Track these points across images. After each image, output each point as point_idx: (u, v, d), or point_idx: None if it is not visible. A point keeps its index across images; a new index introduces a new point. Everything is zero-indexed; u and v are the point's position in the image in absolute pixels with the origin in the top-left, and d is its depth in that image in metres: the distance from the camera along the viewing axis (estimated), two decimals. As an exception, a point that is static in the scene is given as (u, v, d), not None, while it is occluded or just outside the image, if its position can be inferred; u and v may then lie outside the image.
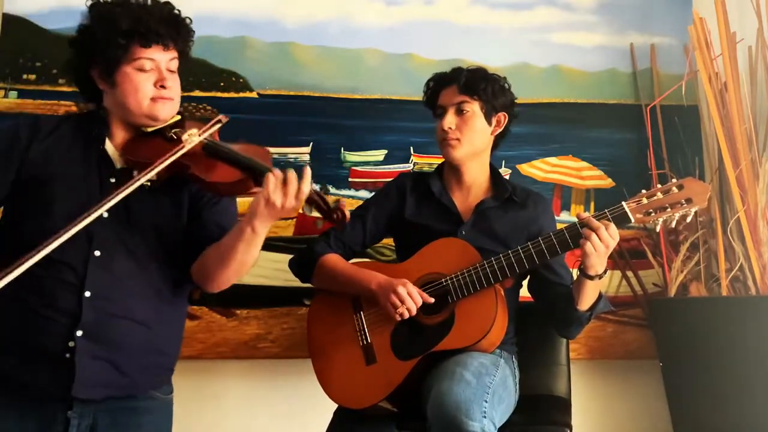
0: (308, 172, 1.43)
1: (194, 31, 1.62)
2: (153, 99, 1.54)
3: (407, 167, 2.51)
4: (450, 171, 1.97)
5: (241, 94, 2.50)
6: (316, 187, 1.50)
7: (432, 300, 1.75)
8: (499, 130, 1.94)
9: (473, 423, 1.48)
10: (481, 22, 2.62)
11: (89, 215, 1.36)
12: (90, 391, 1.46)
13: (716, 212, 2.41)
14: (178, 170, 1.50)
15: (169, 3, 1.59)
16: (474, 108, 1.89)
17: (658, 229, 1.77)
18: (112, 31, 1.50)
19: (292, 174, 1.43)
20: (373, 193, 2.25)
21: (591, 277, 1.68)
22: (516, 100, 1.97)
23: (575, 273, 1.75)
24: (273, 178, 1.42)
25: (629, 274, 2.50)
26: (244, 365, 2.42)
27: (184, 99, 2.44)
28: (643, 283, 2.49)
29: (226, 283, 1.58)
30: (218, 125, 1.58)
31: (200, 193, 1.61)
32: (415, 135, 2.50)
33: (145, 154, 1.51)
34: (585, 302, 1.73)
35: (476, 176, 1.95)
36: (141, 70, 1.53)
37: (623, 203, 1.68)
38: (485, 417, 1.51)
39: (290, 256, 1.98)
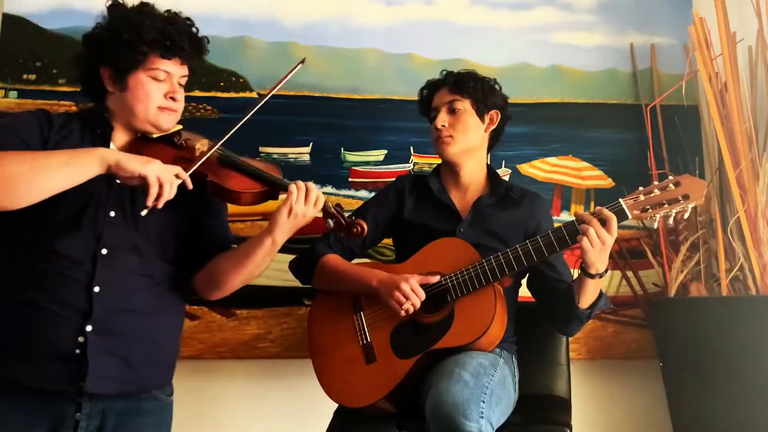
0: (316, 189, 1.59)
1: (208, 51, 1.70)
2: (160, 108, 1.60)
3: (407, 167, 2.51)
4: (447, 171, 1.99)
5: (241, 94, 2.50)
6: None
7: (436, 278, 1.76)
8: (493, 127, 1.96)
9: (470, 423, 1.48)
10: (481, 22, 2.62)
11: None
12: (103, 386, 1.48)
13: (716, 212, 2.41)
14: (197, 177, 1.54)
15: (190, 20, 1.64)
16: (465, 105, 1.93)
17: (656, 226, 1.77)
18: (137, 37, 1.54)
19: (310, 184, 1.58)
20: (372, 194, 2.25)
21: (591, 276, 1.69)
22: (508, 101, 2.00)
23: (575, 273, 1.75)
24: (296, 190, 1.55)
25: (629, 274, 2.49)
26: (244, 365, 2.42)
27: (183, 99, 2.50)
28: (643, 283, 2.49)
29: (231, 290, 1.67)
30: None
31: (203, 202, 1.64)
32: (415, 135, 2.50)
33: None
34: (585, 300, 1.74)
35: (473, 174, 1.97)
36: (155, 79, 1.59)
37: (620, 200, 1.68)
38: (482, 417, 1.51)
39: (291, 257, 1.98)
